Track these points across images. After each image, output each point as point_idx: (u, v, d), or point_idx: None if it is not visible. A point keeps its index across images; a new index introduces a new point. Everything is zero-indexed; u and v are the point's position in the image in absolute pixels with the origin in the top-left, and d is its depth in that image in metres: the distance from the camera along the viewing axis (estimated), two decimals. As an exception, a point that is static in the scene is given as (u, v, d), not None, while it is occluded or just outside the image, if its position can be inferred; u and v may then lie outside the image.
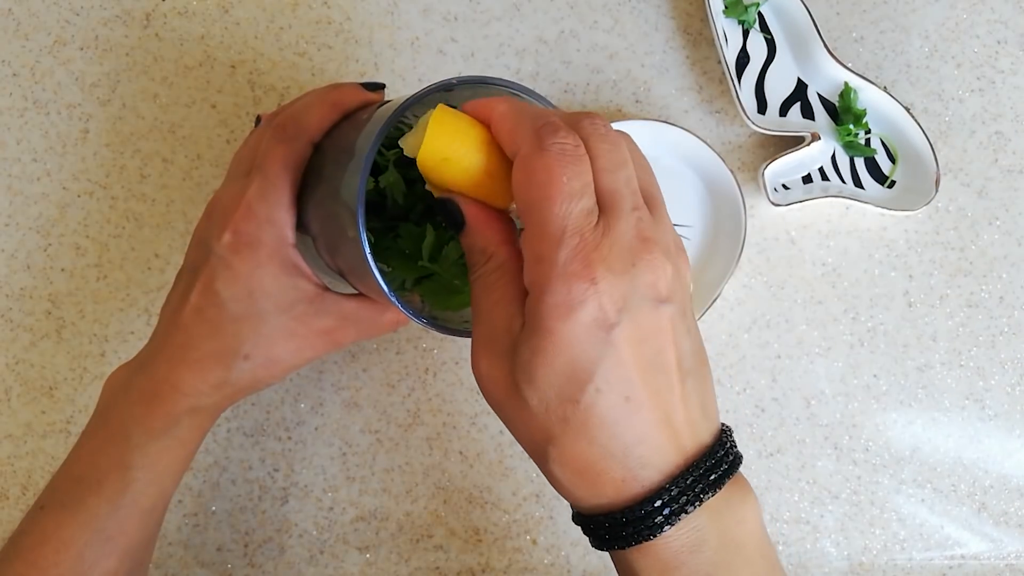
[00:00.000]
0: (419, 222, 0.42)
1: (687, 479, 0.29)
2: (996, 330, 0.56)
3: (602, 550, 0.31)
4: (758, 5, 0.56)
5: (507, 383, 0.30)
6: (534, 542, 0.52)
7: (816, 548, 0.54)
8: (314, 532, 0.51)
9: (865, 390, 0.55)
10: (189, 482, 0.51)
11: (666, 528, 0.29)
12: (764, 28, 0.57)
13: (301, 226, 0.40)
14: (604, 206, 0.29)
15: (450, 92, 0.37)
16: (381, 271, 0.34)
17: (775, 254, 0.56)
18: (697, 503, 0.29)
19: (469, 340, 0.53)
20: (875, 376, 0.55)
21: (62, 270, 0.52)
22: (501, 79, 0.35)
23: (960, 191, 0.57)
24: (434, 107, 0.41)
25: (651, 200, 0.31)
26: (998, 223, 0.57)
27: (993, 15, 0.59)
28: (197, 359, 0.39)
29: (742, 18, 0.56)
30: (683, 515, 0.29)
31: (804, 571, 0.54)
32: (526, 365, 0.29)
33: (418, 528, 0.51)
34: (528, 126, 0.30)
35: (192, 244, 0.41)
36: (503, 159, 0.31)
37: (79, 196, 0.53)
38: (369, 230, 0.41)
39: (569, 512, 0.52)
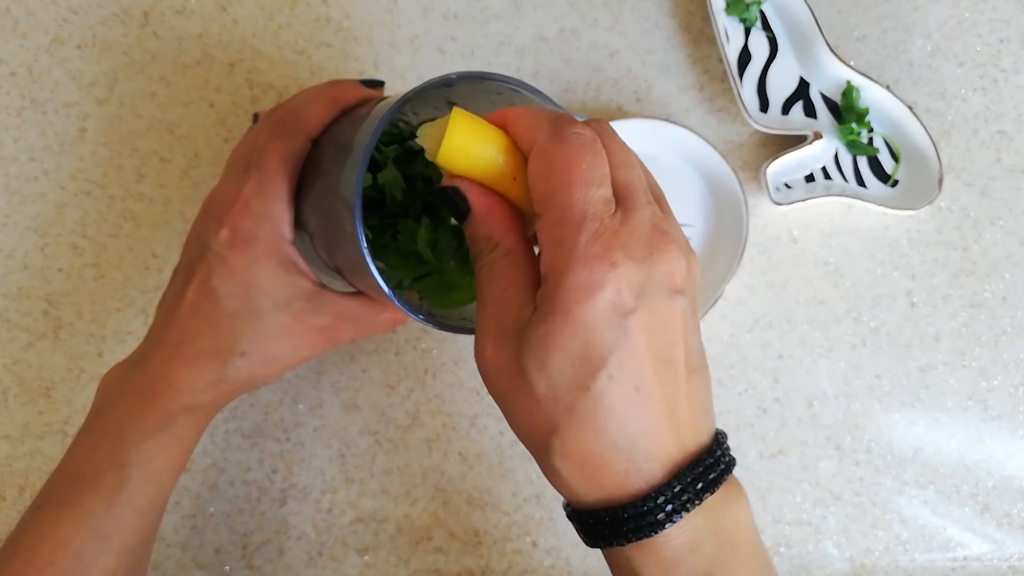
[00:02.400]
0: (418, 219, 0.41)
1: (688, 477, 0.29)
2: (999, 330, 0.56)
3: (597, 547, 0.31)
4: (760, 3, 0.56)
5: (514, 370, 0.29)
6: (534, 544, 0.52)
7: (818, 549, 0.53)
8: (313, 534, 0.51)
9: (867, 391, 0.55)
10: (187, 483, 0.50)
11: (668, 525, 0.29)
12: (766, 26, 0.56)
13: (299, 223, 0.39)
14: (620, 198, 0.29)
15: (450, 88, 0.37)
16: (379, 268, 0.33)
17: (777, 254, 0.55)
18: (698, 501, 0.29)
19: (470, 340, 0.53)
20: (877, 377, 0.55)
21: (59, 270, 0.52)
22: (501, 75, 0.35)
23: (963, 190, 0.57)
24: (434, 103, 0.41)
25: (659, 200, 0.32)
26: (1001, 223, 0.57)
27: (995, 14, 0.59)
28: (193, 356, 0.39)
29: (744, 16, 0.55)
30: (684, 513, 0.29)
31: (806, 572, 0.53)
32: (537, 350, 0.28)
33: (417, 530, 0.51)
34: (544, 119, 0.30)
35: (189, 240, 0.41)
36: (521, 162, 0.31)
37: (76, 195, 0.52)
38: (368, 227, 0.41)
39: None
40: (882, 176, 0.56)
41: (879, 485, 0.54)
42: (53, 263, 0.52)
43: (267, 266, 0.38)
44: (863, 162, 0.56)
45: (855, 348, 0.55)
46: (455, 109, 0.31)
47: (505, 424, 0.52)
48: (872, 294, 0.56)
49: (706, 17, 0.57)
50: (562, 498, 0.32)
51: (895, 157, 0.56)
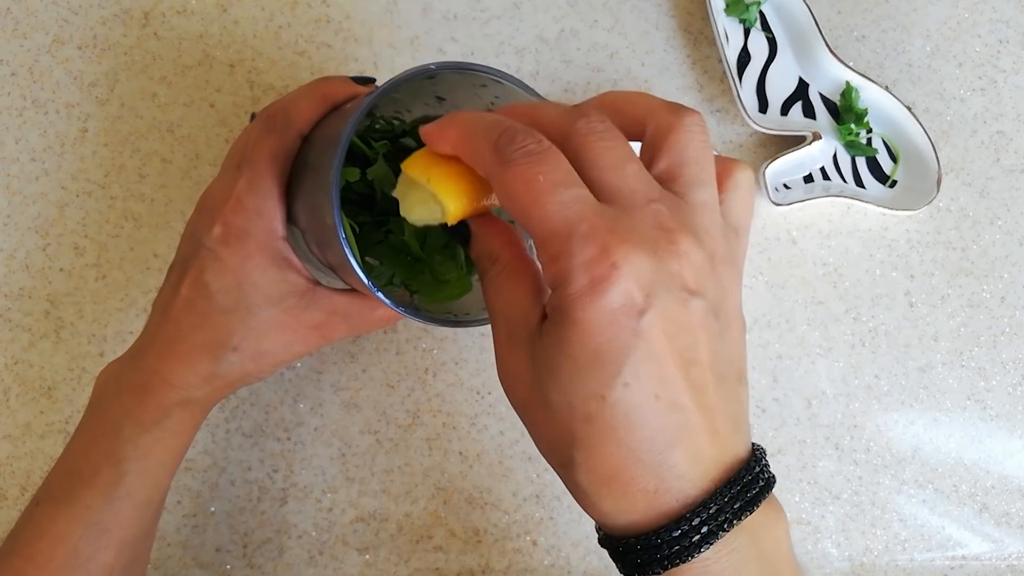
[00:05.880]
0: None
1: (725, 495, 0.27)
2: (997, 330, 0.56)
3: None
4: (759, 4, 0.56)
5: (530, 381, 0.28)
6: (534, 543, 0.52)
7: (817, 549, 0.54)
8: (313, 533, 0.51)
9: (866, 390, 0.55)
10: (188, 483, 0.51)
11: (704, 548, 0.27)
12: (765, 27, 0.57)
13: (292, 220, 0.40)
14: (614, 202, 0.27)
15: (434, 80, 0.37)
16: (371, 265, 0.34)
17: (776, 254, 0.56)
18: (736, 521, 0.27)
19: (470, 340, 0.53)
20: (876, 376, 0.55)
21: (61, 270, 0.52)
22: (482, 65, 0.35)
23: (961, 191, 0.57)
24: (423, 98, 0.41)
25: (698, 184, 0.29)
26: (999, 223, 0.57)
27: (995, 14, 0.59)
28: (186, 351, 0.39)
29: (743, 17, 0.56)
30: (721, 534, 0.27)
31: (805, 572, 0.53)
32: (547, 361, 0.27)
33: (418, 529, 0.51)
34: (485, 143, 0.28)
35: (183, 238, 0.41)
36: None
37: (78, 196, 0.52)
38: (359, 224, 0.41)
39: (568, 512, 0.52)
40: (881, 177, 0.56)
41: (878, 484, 0.54)
42: (55, 263, 0.52)
43: (260, 262, 0.38)
44: (862, 163, 0.56)
45: (854, 348, 0.55)
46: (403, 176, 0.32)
47: (505, 424, 0.52)
48: (871, 294, 0.56)
49: (706, 18, 0.57)
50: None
51: (894, 158, 0.56)
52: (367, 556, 0.51)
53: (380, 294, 0.34)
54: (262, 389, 0.52)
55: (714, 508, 0.27)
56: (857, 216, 0.56)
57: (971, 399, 0.55)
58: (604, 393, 0.26)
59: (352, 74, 0.54)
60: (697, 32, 0.57)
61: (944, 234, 0.57)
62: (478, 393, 0.53)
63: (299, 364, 0.52)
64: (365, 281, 0.33)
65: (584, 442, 0.27)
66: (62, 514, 0.38)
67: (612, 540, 0.29)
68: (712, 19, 0.54)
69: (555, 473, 0.30)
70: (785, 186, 0.55)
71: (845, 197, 0.54)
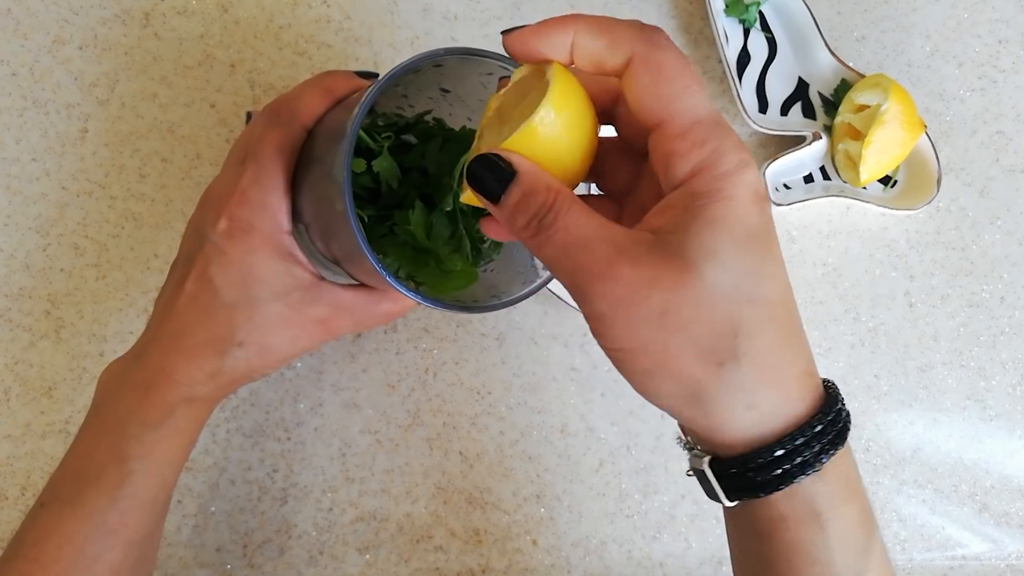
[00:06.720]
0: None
1: (837, 391, 0.30)
2: (997, 330, 0.56)
3: (767, 492, 0.28)
4: (759, 4, 0.56)
5: (674, 276, 0.27)
6: (534, 543, 0.52)
7: (817, 549, 0.54)
8: (313, 533, 0.51)
9: (866, 390, 0.55)
10: (188, 483, 0.51)
11: (845, 437, 0.29)
12: (765, 27, 0.57)
13: (296, 215, 0.40)
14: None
15: (440, 68, 0.37)
16: (377, 260, 0.33)
17: (776, 254, 0.56)
18: (849, 423, 0.29)
19: (470, 340, 0.53)
20: (876, 376, 0.55)
21: (61, 270, 0.52)
22: (490, 51, 0.35)
23: (961, 191, 0.57)
24: (428, 92, 0.41)
25: None
26: (999, 223, 0.57)
27: (994, 14, 0.59)
28: (191, 347, 0.39)
29: (743, 17, 0.56)
30: (847, 433, 0.29)
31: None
32: (704, 246, 0.27)
33: (418, 529, 0.51)
34: (629, 28, 0.29)
35: (187, 234, 0.41)
36: (590, 129, 0.30)
37: (78, 196, 0.52)
38: (365, 218, 0.41)
39: (568, 513, 0.52)
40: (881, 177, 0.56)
41: (878, 484, 0.54)
42: (55, 263, 0.52)
43: (265, 256, 0.38)
44: (862, 162, 0.56)
45: (854, 348, 0.55)
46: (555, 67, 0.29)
47: (505, 424, 0.52)
48: (871, 294, 0.56)
49: (705, 18, 0.57)
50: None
51: (894, 157, 0.56)
52: (367, 556, 0.51)
53: (386, 274, 0.33)
54: (262, 389, 0.52)
55: (842, 399, 0.29)
56: (857, 216, 0.56)
57: (971, 399, 0.55)
58: (763, 268, 0.28)
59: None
60: (697, 32, 0.57)
61: (944, 234, 0.57)
62: (478, 393, 0.53)
63: (299, 364, 0.52)
64: (372, 260, 0.33)
65: (749, 326, 0.27)
66: (68, 515, 0.38)
67: (755, 453, 0.28)
68: (712, 19, 0.54)
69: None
70: (785, 186, 0.55)
71: (845, 197, 0.54)
